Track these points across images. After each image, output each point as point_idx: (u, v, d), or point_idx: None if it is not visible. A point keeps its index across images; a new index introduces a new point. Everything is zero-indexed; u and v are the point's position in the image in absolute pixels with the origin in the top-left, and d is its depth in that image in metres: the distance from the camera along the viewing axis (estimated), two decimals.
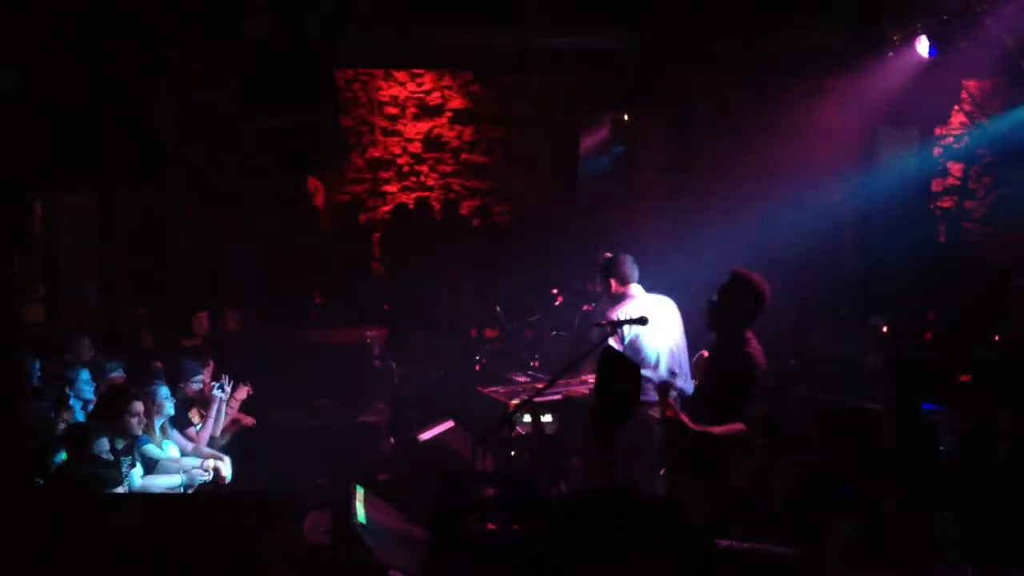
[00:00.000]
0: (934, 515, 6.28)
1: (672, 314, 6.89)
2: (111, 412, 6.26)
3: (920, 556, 5.99)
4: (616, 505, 1.55)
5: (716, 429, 5.49)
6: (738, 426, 5.48)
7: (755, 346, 5.60)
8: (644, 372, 6.36)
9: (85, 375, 6.90)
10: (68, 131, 5.38)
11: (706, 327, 5.82)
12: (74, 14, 5.46)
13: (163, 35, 6.28)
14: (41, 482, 5.76)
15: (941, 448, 6.61)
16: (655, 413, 6.07)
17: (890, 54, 9.70)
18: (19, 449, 5.12)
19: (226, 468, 7.01)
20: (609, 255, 7.23)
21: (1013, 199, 10.76)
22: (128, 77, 5.61)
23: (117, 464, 5.94)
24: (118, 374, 7.48)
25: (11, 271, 4.76)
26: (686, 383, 6.78)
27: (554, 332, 9.08)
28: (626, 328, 6.51)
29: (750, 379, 5.53)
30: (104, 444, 5.87)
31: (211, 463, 6.90)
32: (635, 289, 6.92)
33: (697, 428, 5.51)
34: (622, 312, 6.59)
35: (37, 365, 7.03)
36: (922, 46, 9.18)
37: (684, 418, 5.52)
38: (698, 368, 6.03)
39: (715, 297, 5.73)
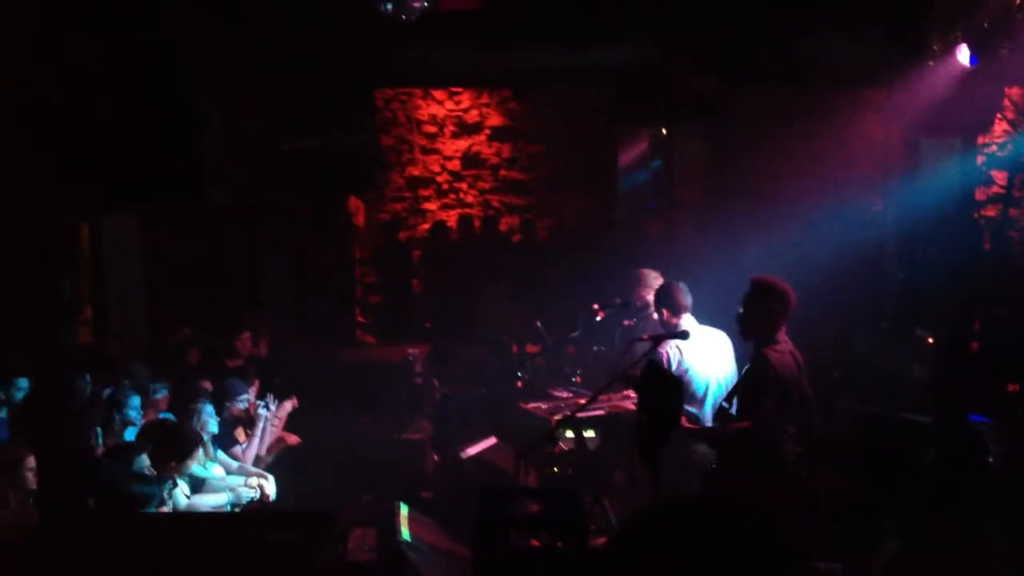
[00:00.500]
0: (982, 528, 6.19)
1: (723, 347, 6.83)
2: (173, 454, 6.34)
3: (968, 570, 5.91)
4: (703, 516, 1.52)
5: (725, 429, 5.55)
6: (745, 424, 5.49)
7: (781, 348, 5.60)
8: (690, 409, 6.39)
9: (136, 401, 6.98)
10: (113, 152, 5.45)
11: (741, 336, 5.86)
12: (113, 34, 5.53)
13: (204, 55, 6.36)
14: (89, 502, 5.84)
15: (990, 460, 6.53)
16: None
17: (930, 63, 9.62)
18: (68, 471, 5.19)
19: (271, 486, 7.06)
20: (658, 280, 7.21)
21: None
22: (171, 97, 5.67)
23: (160, 482, 6.00)
24: (163, 395, 7.57)
25: (62, 295, 4.82)
26: None
27: (595, 347, 9.07)
28: (674, 357, 6.51)
29: (760, 380, 5.55)
30: (144, 461, 5.93)
31: (256, 481, 6.96)
32: (687, 321, 6.86)
33: (694, 428, 5.58)
34: (672, 344, 6.59)
35: (88, 386, 7.13)
36: (963, 54, 9.11)
37: (683, 421, 5.58)
38: None
39: (740, 309, 5.77)
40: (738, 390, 5.82)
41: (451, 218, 13.52)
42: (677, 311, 6.87)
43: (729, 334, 6.79)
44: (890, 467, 7.23)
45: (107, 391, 7.24)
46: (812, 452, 5.79)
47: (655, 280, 7.58)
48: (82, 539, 4.60)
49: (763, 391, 5.52)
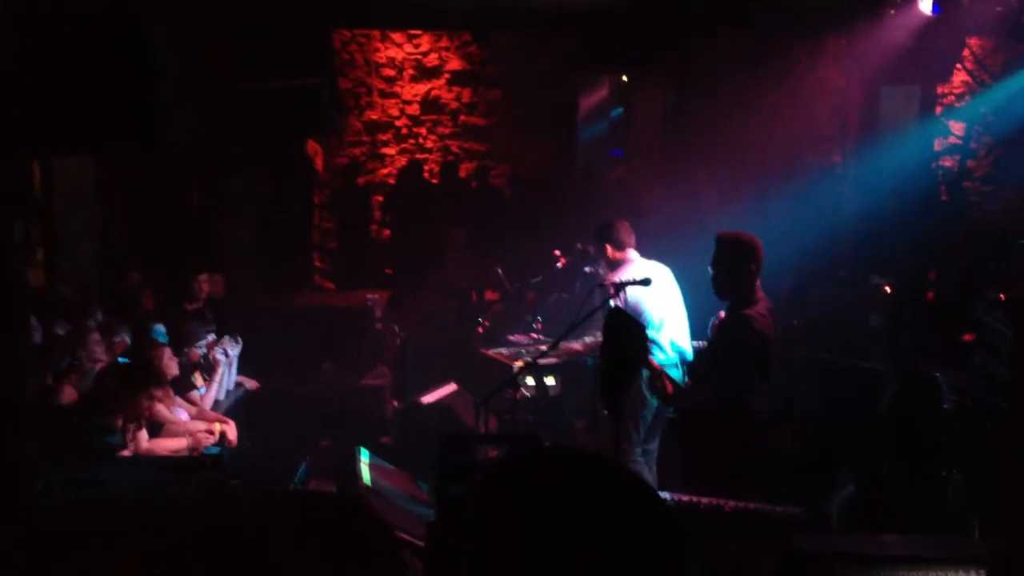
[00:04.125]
0: (938, 475, 6.30)
1: (669, 280, 6.87)
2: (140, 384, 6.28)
3: (925, 517, 6.02)
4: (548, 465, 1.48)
5: (698, 395, 5.54)
6: (709, 394, 5.49)
7: (758, 308, 5.54)
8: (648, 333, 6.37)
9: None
10: (65, 95, 5.33)
11: (716, 296, 5.75)
12: None
13: None
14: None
15: (944, 407, 6.63)
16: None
17: (892, 11, 9.63)
18: (24, 415, 5.12)
19: (232, 431, 7.02)
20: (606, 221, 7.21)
21: (1014, 157, 10.71)
22: (122, 38, 5.55)
23: (125, 425, 5.94)
24: (120, 339, 7.48)
25: (12, 236, 4.73)
26: (687, 346, 6.79)
27: (556, 295, 9.08)
28: (628, 291, 6.49)
29: (736, 342, 5.50)
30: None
31: (217, 426, 6.91)
32: (632, 255, 6.91)
33: (669, 389, 5.57)
34: (623, 276, 6.57)
35: (38, 330, 7.02)
36: (925, 3, 9.11)
37: (667, 384, 5.58)
38: (714, 329, 6.01)
39: (710, 269, 5.67)
40: (715, 351, 5.76)
41: (410, 163, 13.39)
42: (621, 247, 6.88)
43: (696, 290, 6.78)
44: (846, 415, 7.32)
45: (60, 334, 7.15)
46: (778, 406, 5.83)
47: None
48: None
49: (742, 356, 5.48)
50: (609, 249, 6.92)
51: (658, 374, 5.75)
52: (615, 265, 6.86)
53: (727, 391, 5.47)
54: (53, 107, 5.26)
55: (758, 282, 5.58)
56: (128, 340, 7.41)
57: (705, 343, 6.22)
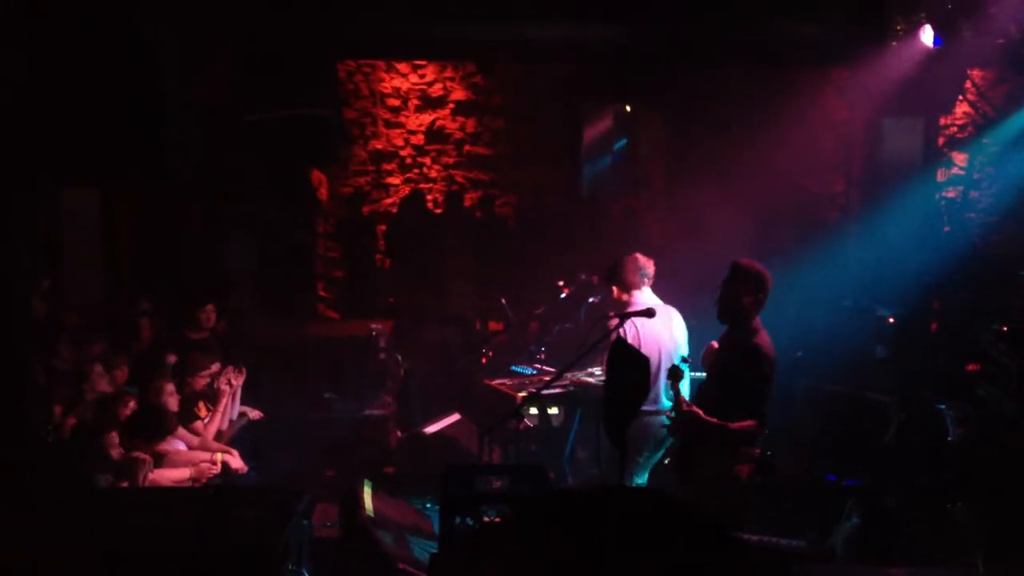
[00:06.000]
0: (943, 506, 6.28)
1: (675, 324, 6.74)
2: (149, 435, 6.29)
3: (929, 548, 5.99)
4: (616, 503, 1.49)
5: (732, 425, 5.48)
6: (751, 422, 5.47)
7: (764, 337, 5.58)
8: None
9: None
10: (74, 127, 5.37)
11: (718, 319, 5.78)
12: (75, 11, 5.44)
13: (166, 28, 6.27)
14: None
15: (949, 439, 6.61)
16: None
17: (894, 44, 9.68)
18: (30, 444, 5.12)
19: (236, 462, 7.01)
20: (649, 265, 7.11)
21: (1018, 188, 10.74)
22: (132, 71, 5.59)
23: (128, 464, 5.93)
24: (122, 369, 7.48)
25: (21, 267, 4.75)
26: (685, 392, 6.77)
27: (557, 327, 9.08)
28: (629, 331, 6.44)
29: (760, 374, 5.52)
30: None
31: (220, 456, 6.90)
32: (637, 297, 6.70)
33: (713, 421, 5.52)
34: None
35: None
36: (926, 35, 9.16)
37: (698, 411, 5.54)
38: (706, 359, 6.00)
39: (718, 292, 5.70)
40: (724, 375, 5.74)
41: (415, 193, 13.43)
42: (626, 288, 6.75)
43: (691, 310, 6.77)
44: (850, 445, 7.31)
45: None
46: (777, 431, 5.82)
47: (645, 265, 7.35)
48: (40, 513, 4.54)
49: (764, 385, 5.51)
50: (615, 291, 6.83)
51: (679, 401, 5.71)
52: (621, 307, 6.74)
53: (745, 418, 5.47)
54: (60, 138, 5.29)
55: (759, 313, 5.61)
56: (128, 370, 7.40)
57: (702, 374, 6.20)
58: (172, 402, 7.01)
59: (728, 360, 5.70)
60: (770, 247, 9.23)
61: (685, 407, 5.54)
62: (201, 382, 7.63)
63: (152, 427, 6.33)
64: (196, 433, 7.38)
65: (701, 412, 5.54)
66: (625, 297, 6.76)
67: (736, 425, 5.47)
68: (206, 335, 8.76)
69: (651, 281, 6.82)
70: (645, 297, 6.74)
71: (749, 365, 5.53)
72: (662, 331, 6.53)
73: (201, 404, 7.67)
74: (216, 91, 9.50)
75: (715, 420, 5.51)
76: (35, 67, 5.23)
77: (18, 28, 5.24)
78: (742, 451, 5.56)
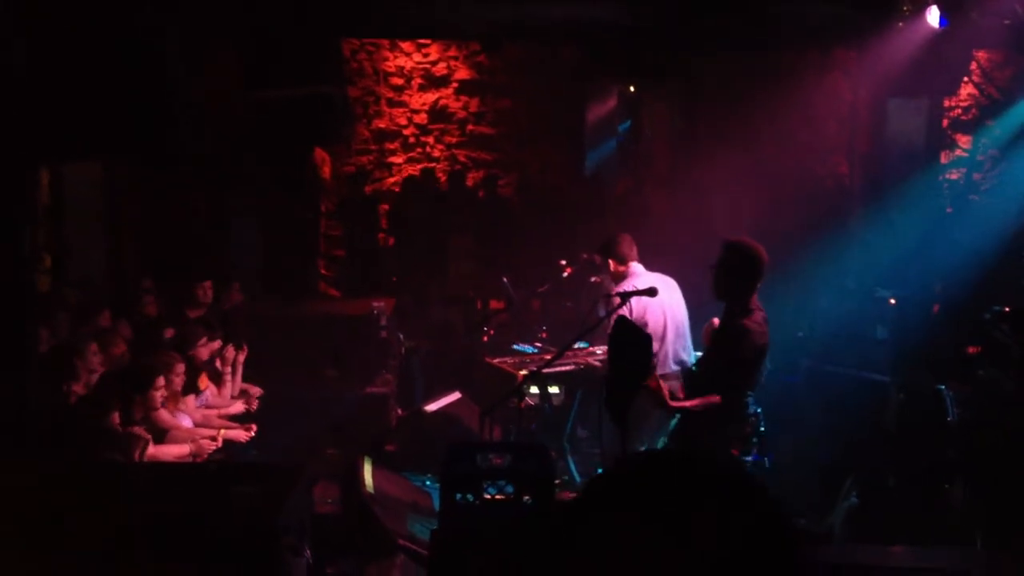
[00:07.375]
0: (943, 487, 6.29)
1: (674, 291, 6.95)
2: (137, 386, 6.28)
3: (929, 529, 6.00)
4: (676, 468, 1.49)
5: (689, 403, 5.50)
6: (714, 398, 5.45)
7: (755, 318, 5.53)
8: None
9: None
10: (76, 104, 5.36)
11: (714, 296, 5.77)
12: None
13: (170, 7, 6.25)
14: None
15: (949, 419, 6.61)
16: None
17: (900, 24, 9.64)
18: (31, 423, 5.13)
19: (240, 435, 7.03)
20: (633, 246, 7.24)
21: (1020, 171, 10.70)
22: (137, 50, 5.58)
23: (130, 438, 5.93)
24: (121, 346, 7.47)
25: (25, 244, 4.75)
26: (689, 356, 6.83)
27: (561, 304, 9.09)
28: (633, 302, 6.51)
29: (738, 357, 5.48)
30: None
31: (222, 432, 6.91)
32: (635, 267, 7.02)
33: (672, 404, 5.54)
34: (628, 287, 6.59)
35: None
36: (932, 16, 9.12)
37: (665, 392, 5.52)
38: (707, 335, 6.01)
39: (714, 268, 5.68)
40: (712, 358, 5.74)
41: (417, 172, 13.41)
42: (623, 260, 7.04)
43: (694, 290, 6.83)
44: (851, 426, 7.31)
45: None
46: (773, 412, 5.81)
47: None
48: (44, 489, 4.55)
49: (739, 365, 5.49)
50: (612, 263, 7.08)
51: (655, 385, 5.72)
52: (619, 278, 6.97)
53: (724, 398, 5.47)
54: (64, 116, 5.29)
55: (756, 292, 5.58)
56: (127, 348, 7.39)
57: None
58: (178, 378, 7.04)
59: (716, 338, 5.71)
60: (774, 227, 9.21)
61: (652, 385, 5.52)
62: (203, 354, 7.62)
63: (142, 382, 6.34)
64: (197, 409, 7.39)
65: (666, 390, 5.53)
66: (622, 269, 7.04)
67: (692, 403, 5.48)
68: (203, 311, 8.77)
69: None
70: (639, 268, 6.98)
71: (730, 344, 5.51)
72: (663, 298, 6.62)
73: (202, 378, 7.67)
74: (220, 70, 9.49)
75: (674, 403, 5.53)
76: (37, 46, 5.22)
77: (24, 8, 5.23)
78: (730, 429, 5.53)
